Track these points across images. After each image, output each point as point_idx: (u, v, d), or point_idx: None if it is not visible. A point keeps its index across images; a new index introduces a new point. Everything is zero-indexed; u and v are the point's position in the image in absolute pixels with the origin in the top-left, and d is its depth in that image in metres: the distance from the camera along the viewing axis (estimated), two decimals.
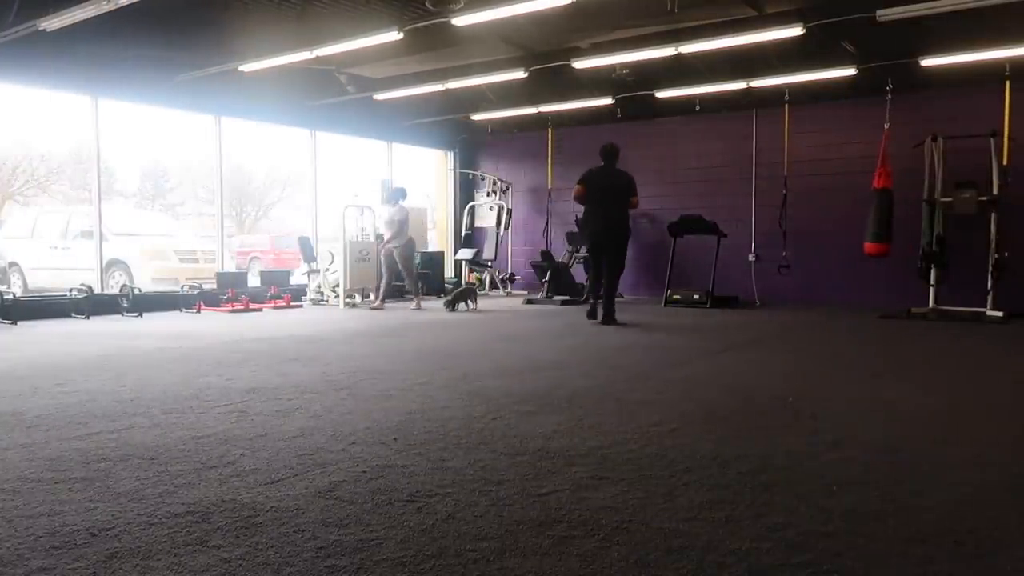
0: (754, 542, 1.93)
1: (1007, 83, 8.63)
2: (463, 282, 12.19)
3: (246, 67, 8.23)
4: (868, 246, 8.46)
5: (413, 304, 9.46)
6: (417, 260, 11.78)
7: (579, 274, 10.78)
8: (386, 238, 9.45)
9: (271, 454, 2.73)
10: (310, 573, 1.75)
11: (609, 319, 7.31)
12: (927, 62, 7.92)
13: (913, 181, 8.44)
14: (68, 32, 6.81)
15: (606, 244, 7.47)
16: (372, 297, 9.84)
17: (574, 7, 6.41)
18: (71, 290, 8.42)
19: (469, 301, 9.19)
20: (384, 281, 9.58)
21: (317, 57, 7.78)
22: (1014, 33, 7.31)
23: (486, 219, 12.88)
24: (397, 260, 9.38)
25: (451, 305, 9.05)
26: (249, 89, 9.44)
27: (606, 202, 7.45)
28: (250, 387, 4.03)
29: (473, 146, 13.44)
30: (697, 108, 10.25)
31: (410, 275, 9.54)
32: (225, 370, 4.60)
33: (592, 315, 7.50)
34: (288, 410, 3.47)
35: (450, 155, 13.50)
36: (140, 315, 8.19)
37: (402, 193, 9.57)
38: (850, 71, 8.38)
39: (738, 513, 2.14)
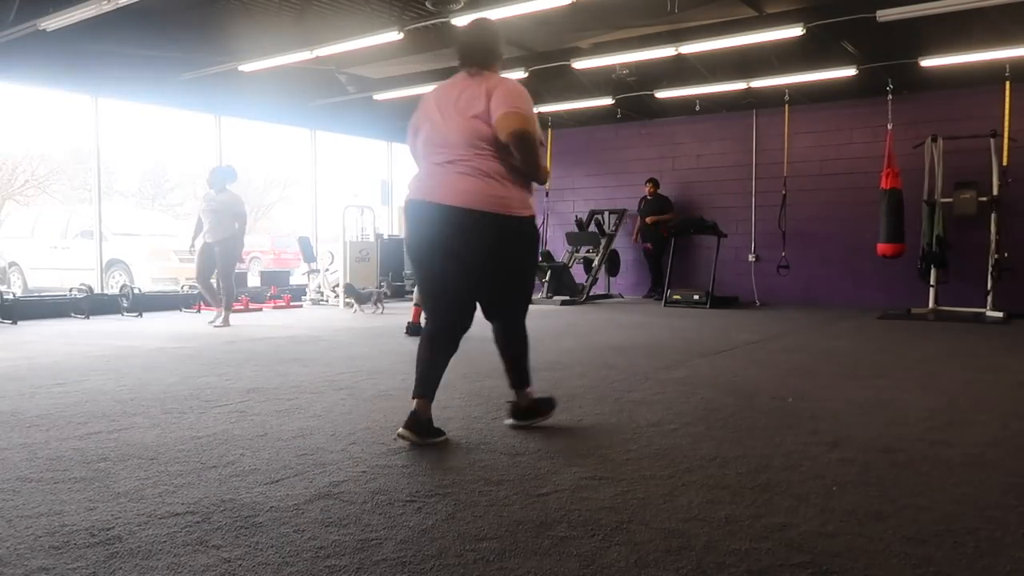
0: (754, 542, 1.93)
1: (1007, 83, 8.63)
2: None
3: (246, 67, 8.22)
4: (882, 247, 8.45)
5: (219, 318, 7.35)
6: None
7: (579, 274, 10.79)
8: (209, 229, 7.29)
9: (271, 454, 2.73)
10: (310, 573, 1.75)
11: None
12: (927, 62, 7.92)
13: (913, 181, 8.44)
14: (68, 32, 6.81)
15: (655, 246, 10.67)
16: (216, 315, 7.48)
17: (574, 7, 6.40)
18: (71, 290, 8.42)
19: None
20: (224, 287, 7.40)
21: (317, 57, 7.78)
22: (1014, 33, 7.30)
23: None
24: (217, 258, 7.32)
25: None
26: (249, 89, 9.44)
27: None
28: (250, 387, 4.03)
29: None
30: (697, 108, 10.25)
31: (228, 280, 7.43)
32: (225, 370, 4.60)
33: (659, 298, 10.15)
34: (288, 410, 3.47)
35: None
36: (140, 315, 8.19)
37: (232, 174, 7.48)
38: (850, 71, 8.38)
39: (738, 513, 2.14)
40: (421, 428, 2.85)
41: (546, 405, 3.21)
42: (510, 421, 3.17)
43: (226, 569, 1.77)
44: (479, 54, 2.92)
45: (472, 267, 2.85)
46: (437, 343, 2.95)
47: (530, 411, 3.17)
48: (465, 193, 2.76)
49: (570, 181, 12.26)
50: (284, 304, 9.68)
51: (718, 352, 5.48)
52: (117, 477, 2.45)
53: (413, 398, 2.90)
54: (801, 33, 6.95)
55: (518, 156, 2.77)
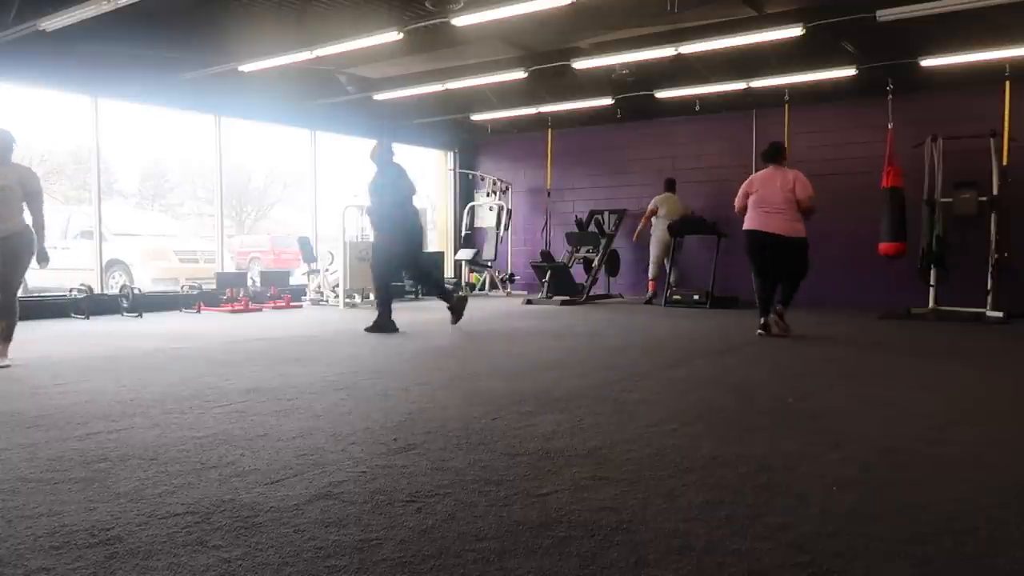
0: (754, 542, 1.93)
1: (1007, 83, 8.63)
2: (463, 283, 12.19)
3: (246, 67, 8.22)
4: (884, 246, 8.43)
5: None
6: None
7: (579, 274, 10.79)
8: None
9: (271, 454, 2.73)
10: (310, 573, 1.75)
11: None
12: (927, 62, 7.92)
13: (913, 181, 8.43)
14: (68, 32, 6.80)
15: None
16: None
17: (574, 7, 6.40)
18: (71, 290, 8.42)
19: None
20: (4, 304, 4.95)
21: (317, 57, 7.78)
22: (1014, 33, 7.30)
23: (486, 219, 12.88)
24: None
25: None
26: (249, 89, 9.44)
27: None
28: (250, 387, 4.02)
29: (473, 146, 13.44)
30: (697, 108, 10.24)
31: (10, 293, 4.97)
32: (225, 370, 4.60)
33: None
34: (288, 410, 3.47)
35: (450, 155, 13.49)
36: (140, 315, 8.19)
37: (8, 140, 5.00)
38: (850, 71, 8.38)
39: (738, 513, 2.14)
40: (766, 330, 6.32)
41: (783, 326, 6.39)
42: (772, 316, 6.38)
43: (226, 569, 1.77)
44: (779, 157, 6.47)
45: (782, 259, 6.22)
46: (765, 284, 6.41)
47: (780, 318, 6.39)
48: (786, 229, 6.19)
49: (570, 181, 12.26)
50: (284, 304, 9.67)
51: (718, 352, 5.48)
52: (117, 477, 2.45)
53: (761, 316, 6.38)
54: (801, 33, 6.95)
55: (806, 212, 6.24)
